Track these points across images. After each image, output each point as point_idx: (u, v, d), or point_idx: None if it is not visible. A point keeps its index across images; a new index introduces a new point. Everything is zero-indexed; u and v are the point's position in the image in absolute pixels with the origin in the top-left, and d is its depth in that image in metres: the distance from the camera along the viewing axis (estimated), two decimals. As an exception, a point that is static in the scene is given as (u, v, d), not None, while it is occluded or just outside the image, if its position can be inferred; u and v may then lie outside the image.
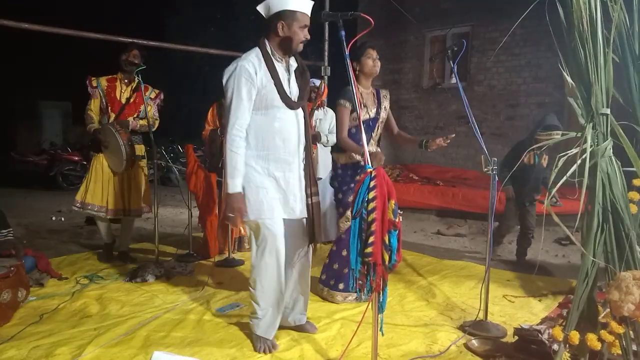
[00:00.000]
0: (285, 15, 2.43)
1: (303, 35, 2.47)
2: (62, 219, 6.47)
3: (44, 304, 3.17)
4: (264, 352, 2.53)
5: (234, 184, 2.44)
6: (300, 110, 2.60)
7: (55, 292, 3.41)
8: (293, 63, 2.61)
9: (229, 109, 2.43)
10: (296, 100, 2.55)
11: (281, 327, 2.74)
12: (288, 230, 2.61)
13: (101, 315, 3.03)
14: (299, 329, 2.79)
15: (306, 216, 2.64)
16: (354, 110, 3.14)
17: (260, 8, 2.51)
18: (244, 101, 2.41)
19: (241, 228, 2.51)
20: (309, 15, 2.49)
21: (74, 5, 13.40)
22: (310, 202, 2.64)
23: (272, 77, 2.46)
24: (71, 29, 4.52)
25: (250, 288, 2.59)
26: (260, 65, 2.45)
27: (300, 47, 2.51)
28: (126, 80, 4.10)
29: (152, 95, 4.20)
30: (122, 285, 3.59)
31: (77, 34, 4.56)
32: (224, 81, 2.46)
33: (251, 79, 2.41)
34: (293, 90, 2.56)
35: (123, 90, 4.08)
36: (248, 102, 2.43)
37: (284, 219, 2.57)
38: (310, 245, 2.71)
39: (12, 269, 2.98)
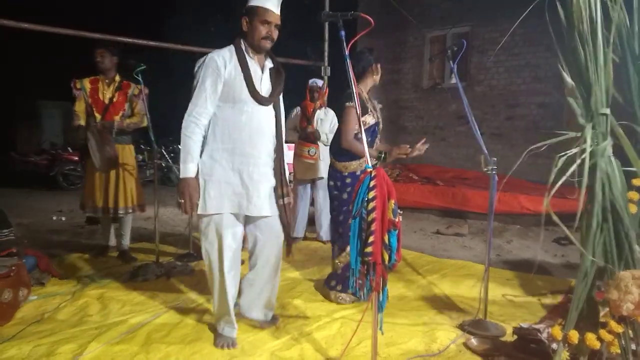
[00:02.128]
0: (248, 11, 2.50)
1: (265, 31, 2.48)
2: (63, 218, 6.48)
3: (45, 304, 3.18)
4: (222, 347, 2.58)
5: (186, 169, 2.46)
6: (271, 108, 2.62)
7: (56, 291, 3.42)
8: (269, 63, 2.63)
9: (191, 96, 2.47)
10: (266, 97, 2.56)
11: (245, 319, 2.83)
12: (258, 227, 2.64)
13: (102, 314, 3.04)
14: (266, 324, 2.83)
15: (271, 214, 2.63)
16: (362, 113, 3.14)
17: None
18: (207, 91, 2.45)
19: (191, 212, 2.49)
20: (273, 11, 2.48)
21: (74, 5, 13.40)
22: (282, 203, 2.64)
23: (242, 70, 2.48)
24: (71, 29, 4.53)
25: (209, 282, 2.65)
26: (231, 59, 2.49)
27: (264, 43, 2.51)
28: (107, 81, 4.13)
29: (136, 92, 4.20)
30: (123, 285, 3.59)
31: (77, 34, 4.56)
32: (194, 70, 2.50)
33: (218, 70, 2.45)
34: (264, 87, 2.58)
35: (105, 91, 4.11)
36: (212, 93, 2.46)
37: (253, 217, 2.59)
38: (281, 246, 2.71)
39: (13, 268, 2.99)
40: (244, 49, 2.54)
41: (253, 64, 2.55)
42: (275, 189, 2.65)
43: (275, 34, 2.53)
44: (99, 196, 4.11)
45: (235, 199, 2.53)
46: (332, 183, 3.34)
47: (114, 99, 4.11)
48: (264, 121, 2.57)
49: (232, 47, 2.54)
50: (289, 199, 2.69)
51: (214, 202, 2.51)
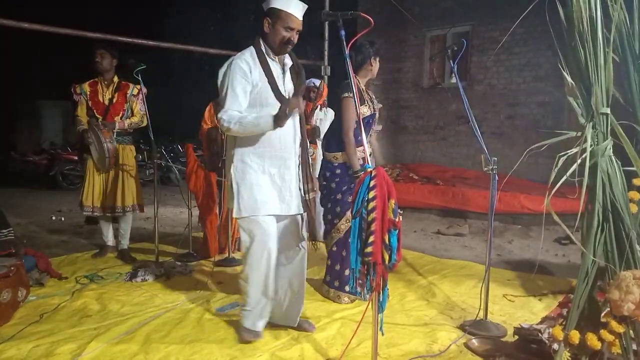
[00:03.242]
0: (271, 13, 2.47)
1: (288, 36, 2.47)
2: (62, 218, 6.47)
3: (44, 304, 3.18)
4: (249, 341, 2.60)
5: (267, 118, 2.37)
6: None
7: (55, 291, 3.41)
8: (288, 61, 2.63)
9: (224, 102, 2.45)
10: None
11: (277, 325, 2.80)
12: (283, 227, 2.65)
13: (101, 314, 3.03)
14: (297, 328, 2.80)
15: (302, 212, 2.67)
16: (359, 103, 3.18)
17: (263, 5, 2.55)
18: (239, 97, 2.44)
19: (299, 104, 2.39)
20: (297, 17, 2.47)
21: (74, 5, 13.39)
22: (307, 198, 2.66)
23: (266, 75, 2.48)
24: (71, 29, 4.52)
25: (241, 281, 2.64)
26: (255, 64, 2.48)
27: (285, 48, 2.52)
28: (106, 82, 4.17)
29: (135, 92, 4.24)
30: (122, 285, 3.59)
31: (77, 33, 4.55)
32: (219, 80, 2.49)
33: (245, 76, 2.44)
34: (288, 88, 2.59)
35: (105, 92, 4.15)
36: (244, 98, 2.46)
37: (279, 216, 2.60)
38: (305, 244, 2.72)
39: (12, 268, 2.98)
40: (264, 50, 2.52)
41: (275, 66, 2.55)
42: (303, 185, 2.66)
43: (296, 39, 2.52)
44: (98, 195, 4.14)
45: (267, 200, 2.54)
46: (322, 172, 3.42)
47: (114, 100, 4.15)
48: (290, 122, 2.56)
49: (252, 50, 2.52)
50: (314, 194, 2.70)
51: (248, 205, 2.51)
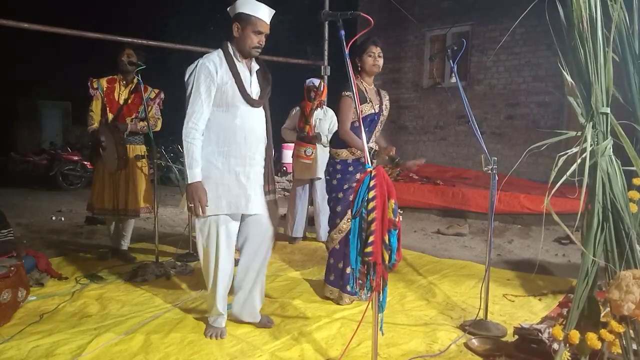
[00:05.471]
0: (241, 18, 2.54)
1: (257, 40, 2.55)
2: (62, 218, 6.46)
3: (44, 304, 3.17)
4: (211, 337, 2.68)
5: (193, 174, 2.52)
6: (261, 109, 2.70)
7: (55, 292, 3.41)
8: (255, 65, 2.70)
9: (187, 103, 2.53)
10: (257, 99, 2.64)
11: (239, 321, 2.85)
12: (249, 224, 2.72)
13: (101, 315, 3.03)
14: (258, 324, 2.85)
15: (263, 212, 2.71)
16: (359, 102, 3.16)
17: (229, 10, 2.62)
18: (201, 96, 2.51)
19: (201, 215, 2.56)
20: (266, 22, 2.56)
21: (75, 5, 13.40)
22: (267, 199, 2.73)
23: (232, 75, 2.54)
24: (71, 29, 4.52)
25: (205, 278, 2.72)
26: (222, 64, 2.55)
27: (254, 52, 2.59)
28: (125, 82, 4.13)
29: (152, 95, 4.22)
30: (122, 285, 3.59)
31: (77, 33, 4.55)
32: (185, 78, 2.56)
33: (210, 75, 2.50)
34: (254, 89, 2.66)
35: (121, 91, 4.11)
36: (206, 97, 2.52)
37: (244, 215, 2.67)
38: (270, 242, 2.78)
39: (12, 269, 2.98)
40: (232, 53, 2.60)
41: (242, 68, 2.61)
42: (263, 186, 2.74)
43: (264, 42, 2.60)
44: (109, 197, 4.09)
45: (232, 199, 2.60)
46: (327, 169, 3.44)
47: (129, 101, 4.11)
48: (256, 123, 2.66)
49: (220, 52, 2.60)
50: (273, 196, 2.78)
51: (211, 204, 2.57)
